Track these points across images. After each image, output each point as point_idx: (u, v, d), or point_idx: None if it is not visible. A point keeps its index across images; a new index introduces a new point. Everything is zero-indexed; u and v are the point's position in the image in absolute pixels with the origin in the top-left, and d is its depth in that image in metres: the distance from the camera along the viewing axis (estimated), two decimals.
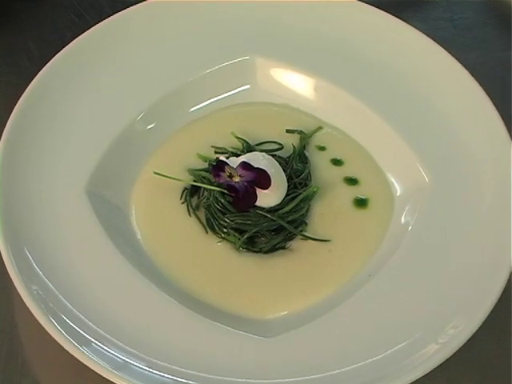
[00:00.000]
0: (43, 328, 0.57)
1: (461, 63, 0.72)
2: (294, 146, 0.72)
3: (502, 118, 0.68)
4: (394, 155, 0.70)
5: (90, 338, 0.57)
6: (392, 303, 0.60)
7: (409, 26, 0.76)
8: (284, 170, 0.68)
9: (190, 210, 0.68)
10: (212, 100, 0.75)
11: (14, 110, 0.68)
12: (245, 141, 0.72)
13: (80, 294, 0.60)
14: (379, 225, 0.67)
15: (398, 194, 0.69)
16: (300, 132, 0.73)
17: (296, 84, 0.75)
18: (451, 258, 0.62)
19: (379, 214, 0.68)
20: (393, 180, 0.70)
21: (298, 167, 0.70)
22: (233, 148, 0.72)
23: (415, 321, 0.59)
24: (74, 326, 0.58)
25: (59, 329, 0.57)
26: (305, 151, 0.72)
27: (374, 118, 0.71)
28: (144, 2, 0.77)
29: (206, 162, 0.71)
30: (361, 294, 0.61)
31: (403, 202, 0.68)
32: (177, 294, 0.62)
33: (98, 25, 0.75)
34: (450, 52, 0.73)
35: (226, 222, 0.66)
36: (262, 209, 0.66)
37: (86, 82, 0.72)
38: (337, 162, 0.71)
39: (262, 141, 0.72)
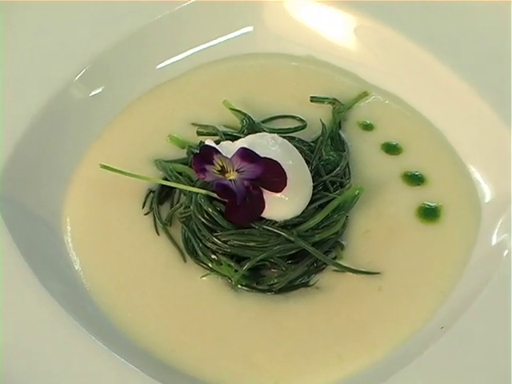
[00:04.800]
0: None
1: None
2: (323, 124, 0.74)
3: None
4: (483, 140, 0.72)
5: None
6: (475, 369, 0.62)
7: None
8: (307, 162, 0.69)
9: (159, 224, 0.70)
10: (193, 50, 0.78)
11: None
12: (245, 115, 0.74)
13: None
14: (457, 247, 0.69)
15: (486, 201, 0.71)
16: (333, 101, 0.76)
17: (326, 24, 0.78)
18: None
19: (457, 231, 0.69)
20: (479, 179, 0.72)
21: (329, 157, 0.72)
22: (226, 126, 0.74)
23: None
24: None
25: None
26: (341, 131, 0.75)
27: (450, 79, 0.73)
28: None
29: (183, 148, 0.73)
30: (428, 356, 0.62)
31: (495, 212, 0.70)
32: (141, 361, 0.63)
33: None
34: None
35: (215, 243, 0.67)
36: (272, 223, 0.67)
37: None
38: (392, 149, 0.74)
39: (273, 115, 0.75)
